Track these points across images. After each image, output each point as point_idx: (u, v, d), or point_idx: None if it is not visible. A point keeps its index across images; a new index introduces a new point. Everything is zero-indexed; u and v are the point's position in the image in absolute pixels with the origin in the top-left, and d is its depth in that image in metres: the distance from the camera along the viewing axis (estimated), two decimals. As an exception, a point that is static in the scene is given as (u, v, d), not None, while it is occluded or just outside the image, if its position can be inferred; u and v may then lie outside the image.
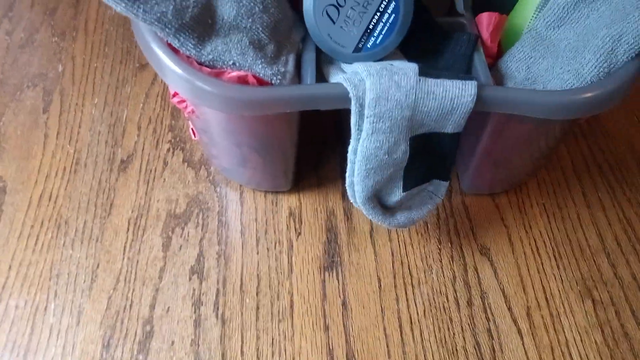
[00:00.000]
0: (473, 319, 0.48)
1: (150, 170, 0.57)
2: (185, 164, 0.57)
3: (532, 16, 0.47)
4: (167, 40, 0.39)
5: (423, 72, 0.40)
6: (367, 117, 0.40)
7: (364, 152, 0.41)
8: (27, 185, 0.55)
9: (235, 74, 0.40)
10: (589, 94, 0.40)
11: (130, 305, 0.48)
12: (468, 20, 0.48)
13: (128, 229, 0.52)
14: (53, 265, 0.50)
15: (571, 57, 0.42)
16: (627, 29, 0.40)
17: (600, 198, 0.57)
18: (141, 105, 0.62)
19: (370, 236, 0.53)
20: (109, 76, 0.65)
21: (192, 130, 0.52)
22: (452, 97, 0.40)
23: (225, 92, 0.39)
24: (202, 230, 0.52)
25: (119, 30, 0.70)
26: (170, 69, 0.39)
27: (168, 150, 0.58)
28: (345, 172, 0.43)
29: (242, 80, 0.40)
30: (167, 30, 0.38)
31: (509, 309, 0.49)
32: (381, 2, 0.41)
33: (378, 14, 0.42)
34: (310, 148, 0.58)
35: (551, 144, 0.52)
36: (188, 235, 0.52)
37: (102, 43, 0.68)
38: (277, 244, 0.52)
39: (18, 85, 0.64)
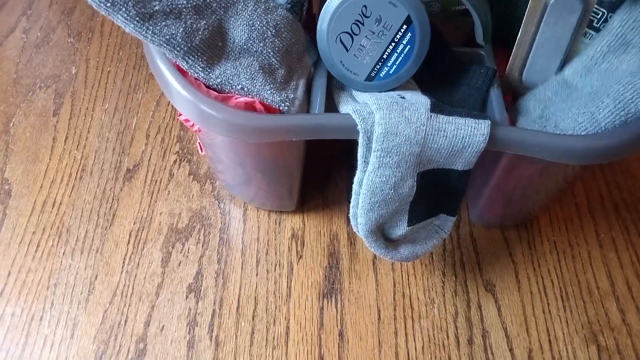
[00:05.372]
0: (472, 358, 0.47)
1: (156, 182, 0.56)
2: (191, 177, 0.57)
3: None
4: (175, 62, 0.38)
5: (435, 108, 0.39)
6: (375, 151, 0.39)
7: (370, 185, 0.40)
8: (32, 189, 0.55)
9: (242, 99, 0.39)
10: (605, 142, 0.38)
11: (125, 321, 0.47)
12: (487, 53, 0.46)
13: (129, 241, 0.52)
14: (52, 274, 0.50)
15: (589, 100, 0.41)
16: None
17: (613, 238, 0.55)
18: (151, 113, 0.62)
19: (373, 264, 0.52)
20: (121, 81, 0.65)
21: (199, 145, 0.51)
22: (464, 135, 0.38)
23: (231, 119, 0.38)
24: (202, 247, 0.52)
25: (134, 35, 0.69)
26: (177, 92, 0.38)
27: (175, 161, 0.58)
28: (351, 196, 0.42)
29: (249, 107, 0.39)
30: (175, 52, 0.37)
31: (511, 350, 0.48)
32: (396, 33, 0.40)
33: (393, 44, 0.41)
34: (317, 169, 0.57)
35: (567, 181, 0.50)
36: (188, 252, 0.51)
37: (116, 46, 0.68)
38: (277, 267, 0.51)
39: (30, 86, 0.64)
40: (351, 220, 0.43)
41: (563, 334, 0.49)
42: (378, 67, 0.42)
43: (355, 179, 0.41)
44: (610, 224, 0.56)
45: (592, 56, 0.41)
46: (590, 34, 0.43)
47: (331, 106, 0.42)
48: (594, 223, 0.56)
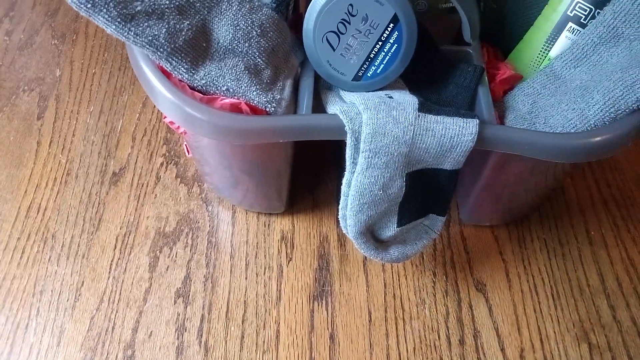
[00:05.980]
0: (464, 359, 0.47)
1: (142, 185, 0.55)
2: (178, 179, 0.56)
3: (542, 47, 0.46)
4: (159, 63, 0.38)
5: (423, 108, 0.38)
6: (363, 152, 0.38)
7: (358, 186, 0.40)
8: (16, 194, 0.54)
9: (228, 101, 0.39)
10: (593, 140, 0.38)
11: (113, 328, 0.47)
12: (475, 51, 0.46)
13: (115, 247, 0.51)
14: (37, 280, 0.49)
15: (579, 95, 0.41)
16: None
17: (603, 235, 0.55)
18: (137, 115, 0.61)
19: (363, 265, 0.51)
20: (106, 83, 0.64)
21: (186, 147, 0.51)
22: (452, 135, 0.38)
23: (217, 121, 0.37)
24: (190, 251, 0.51)
25: (119, 36, 0.68)
26: (161, 94, 0.38)
27: (161, 164, 0.57)
28: (340, 197, 0.42)
29: (235, 108, 0.39)
30: (159, 53, 0.37)
31: (502, 350, 0.47)
32: (383, 32, 0.40)
33: (380, 43, 0.40)
34: (306, 170, 0.56)
35: (557, 179, 0.50)
36: (176, 256, 0.51)
37: (101, 48, 0.67)
38: (267, 269, 0.51)
39: (14, 89, 0.63)
40: (340, 222, 0.43)
41: (554, 332, 0.49)
42: (365, 66, 0.41)
43: (344, 180, 0.41)
44: (600, 221, 0.56)
45: (582, 47, 0.41)
46: (576, 30, 0.43)
47: (319, 107, 0.42)
48: (584, 220, 0.56)
